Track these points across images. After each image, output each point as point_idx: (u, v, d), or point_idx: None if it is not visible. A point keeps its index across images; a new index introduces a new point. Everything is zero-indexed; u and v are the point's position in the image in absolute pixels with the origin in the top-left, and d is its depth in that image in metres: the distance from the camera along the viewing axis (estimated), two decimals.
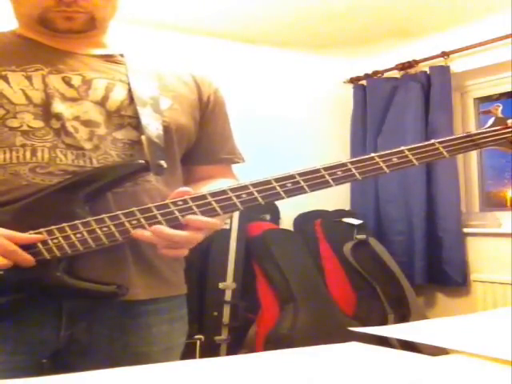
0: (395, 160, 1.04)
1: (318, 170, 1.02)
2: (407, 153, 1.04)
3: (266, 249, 3.08)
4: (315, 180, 1.02)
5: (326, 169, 1.02)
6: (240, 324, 2.98)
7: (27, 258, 0.97)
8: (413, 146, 1.05)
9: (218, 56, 3.37)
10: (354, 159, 1.04)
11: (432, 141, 1.06)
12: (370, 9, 3.09)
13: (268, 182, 1.02)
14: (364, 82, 3.79)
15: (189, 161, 1.25)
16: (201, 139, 1.24)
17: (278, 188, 1.01)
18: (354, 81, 3.84)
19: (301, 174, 1.02)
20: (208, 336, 2.83)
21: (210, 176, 1.24)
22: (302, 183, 1.01)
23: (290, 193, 1.02)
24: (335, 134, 3.80)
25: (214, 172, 1.26)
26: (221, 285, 2.95)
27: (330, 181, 1.02)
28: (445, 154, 1.06)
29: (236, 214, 2.99)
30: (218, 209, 1.01)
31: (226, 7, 3.07)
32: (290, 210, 3.41)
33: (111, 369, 0.71)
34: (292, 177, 1.02)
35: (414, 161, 1.04)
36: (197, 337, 2.74)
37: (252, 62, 3.58)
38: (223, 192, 1.02)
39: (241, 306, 2.98)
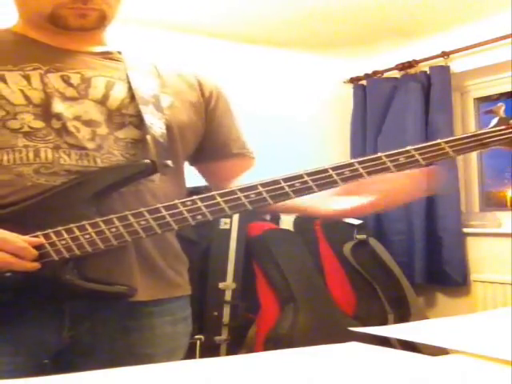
0: (402, 160, 1.04)
1: (325, 170, 1.03)
2: (414, 152, 1.04)
3: (266, 249, 3.08)
4: (323, 180, 1.02)
5: (333, 168, 1.03)
6: (240, 324, 2.97)
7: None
8: (419, 145, 1.05)
9: (217, 56, 3.36)
10: (362, 159, 1.04)
11: (438, 140, 1.06)
12: (370, 9, 3.09)
13: (277, 182, 1.02)
14: (364, 82, 3.79)
15: (204, 157, 1.25)
16: (210, 134, 1.23)
17: (286, 188, 1.01)
18: (354, 81, 3.84)
19: (309, 174, 1.02)
20: (208, 336, 2.82)
21: (235, 172, 1.24)
22: (311, 183, 1.02)
23: (299, 193, 1.02)
24: (335, 134, 3.80)
25: (236, 167, 1.26)
26: (221, 285, 2.94)
27: (338, 180, 1.02)
28: (451, 153, 1.05)
29: (236, 214, 2.98)
30: (226, 209, 1.01)
31: (226, 8, 3.07)
32: None
33: (111, 369, 0.71)
34: (300, 176, 1.02)
35: (421, 160, 1.04)
36: (197, 337, 2.73)
37: (252, 62, 3.57)
38: (232, 192, 1.02)
39: (241, 306, 2.98)
